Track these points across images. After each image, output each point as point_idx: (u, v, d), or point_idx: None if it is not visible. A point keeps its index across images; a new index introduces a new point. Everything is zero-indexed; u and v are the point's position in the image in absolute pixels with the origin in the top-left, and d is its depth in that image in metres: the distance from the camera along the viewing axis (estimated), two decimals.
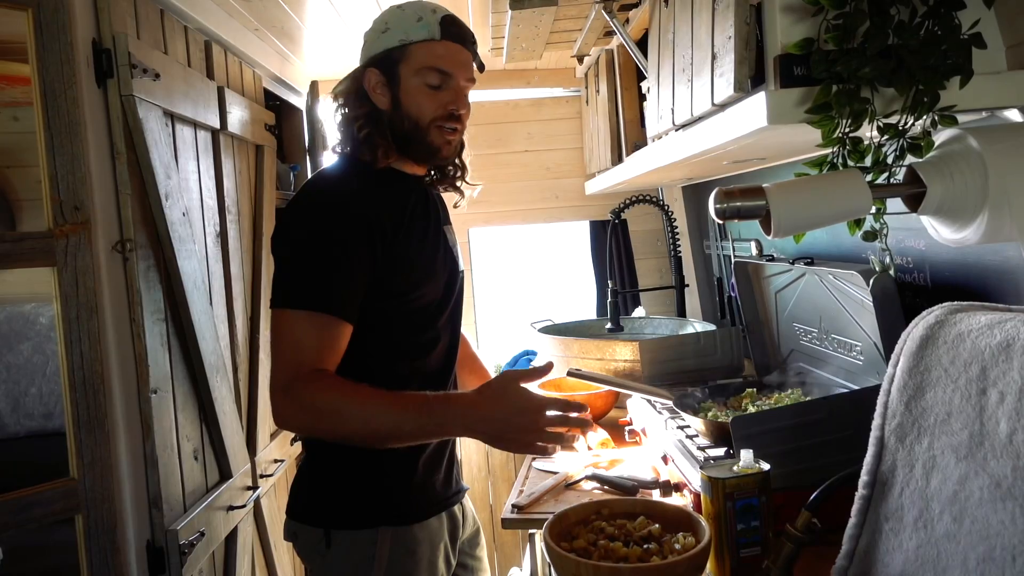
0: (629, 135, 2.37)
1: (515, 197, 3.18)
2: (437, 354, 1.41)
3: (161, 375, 1.63)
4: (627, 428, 1.93)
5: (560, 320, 2.57)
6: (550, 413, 1.19)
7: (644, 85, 1.98)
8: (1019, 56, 1.03)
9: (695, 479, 1.34)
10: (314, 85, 2.98)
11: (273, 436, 2.36)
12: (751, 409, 1.57)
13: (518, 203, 3.18)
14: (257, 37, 2.37)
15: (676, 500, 1.48)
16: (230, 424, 1.95)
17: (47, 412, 1.99)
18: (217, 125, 2.00)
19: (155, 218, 1.65)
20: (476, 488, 3.06)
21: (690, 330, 2.29)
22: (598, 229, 3.20)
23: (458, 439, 1.55)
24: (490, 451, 2.90)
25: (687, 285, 2.55)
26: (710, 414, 1.57)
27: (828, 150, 1.08)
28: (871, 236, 1.14)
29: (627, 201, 2.30)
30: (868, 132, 1.04)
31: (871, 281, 1.31)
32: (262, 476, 2.17)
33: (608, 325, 2.32)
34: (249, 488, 2.07)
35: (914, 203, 1.06)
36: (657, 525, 1.13)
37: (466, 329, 1.57)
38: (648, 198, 2.33)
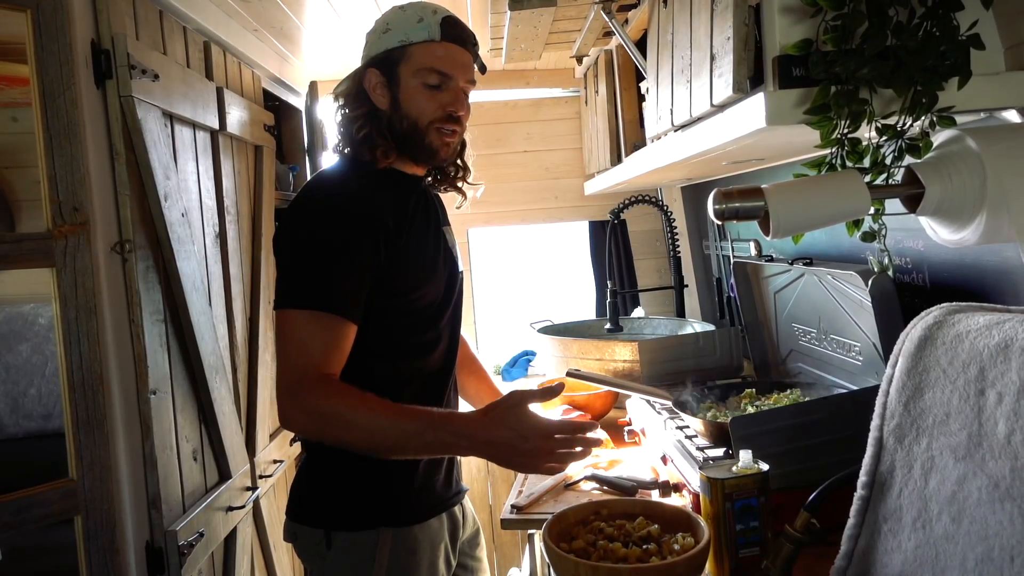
0: (628, 135, 2.37)
1: (514, 197, 3.18)
2: (437, 355, 1.41)
3: (160, 376, 1.63)
4: (626, 428, 1.93)
5: (559, 320, 2.57)
6: (558, 436, 1.18)
7: (643, 86, 1.98)
8: (1017, 57, 1.03)
9: (694, 479, 1.34)
10: (313, 85, 2.98)
11: (272, 437, 2.36)
12: (750, 409, 1.57)
13: (517, 203, 3.18)
14: (256, 38, 2.37)
15: (675, 500, 1.48)
16: (229, 425, 1.95)
17: (46, 413, 1.99)
18: (216, 126, 2.00)
19: (154, 219, 1.65)
20: (476, 489, 3.06)
21: (689, 330, 2.29)
22: (597, 229, 3.20)
23: None
24: None
25: (686, 285, 2.55)
26: (709, 414, 1.57)
27: (827, 151, 1.08)
28: (870, 237, 1.14)
29: (626, 201, 2.30)
30: (867, 133, 1.04)
31: (870, 282, 1.31)
32: (261, 477, 2.17)
33: (607, 325, 2.32)
34: (248, 489, 2.06)
35: (913, 204, 1.06)
36: (656, 526, 1.13)
37: (466, 329, 1.57)
38: (647, 198, 2.33)
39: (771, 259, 1.81)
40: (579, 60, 2.81)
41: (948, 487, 0.86)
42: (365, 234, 1.27)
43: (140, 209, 1.61)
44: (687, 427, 1.59)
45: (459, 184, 1.52)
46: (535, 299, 3.58)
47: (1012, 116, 1.07)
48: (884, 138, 1.03)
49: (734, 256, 2.30)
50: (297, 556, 1.46)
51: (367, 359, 1.31)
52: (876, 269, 1.32)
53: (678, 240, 2.45)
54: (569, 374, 2.00)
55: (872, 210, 1.08)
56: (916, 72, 0.97)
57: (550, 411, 2.01)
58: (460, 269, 1.48)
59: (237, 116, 2.13)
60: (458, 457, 1.50)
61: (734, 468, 1.15)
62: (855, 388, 1.49)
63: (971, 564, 0.81)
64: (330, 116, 1.45)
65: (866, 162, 1.07)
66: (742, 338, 2.03)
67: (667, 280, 2.75)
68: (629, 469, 1.71)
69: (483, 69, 1.41)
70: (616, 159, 2.48)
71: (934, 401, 0.92)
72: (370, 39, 1.39)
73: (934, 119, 1.00)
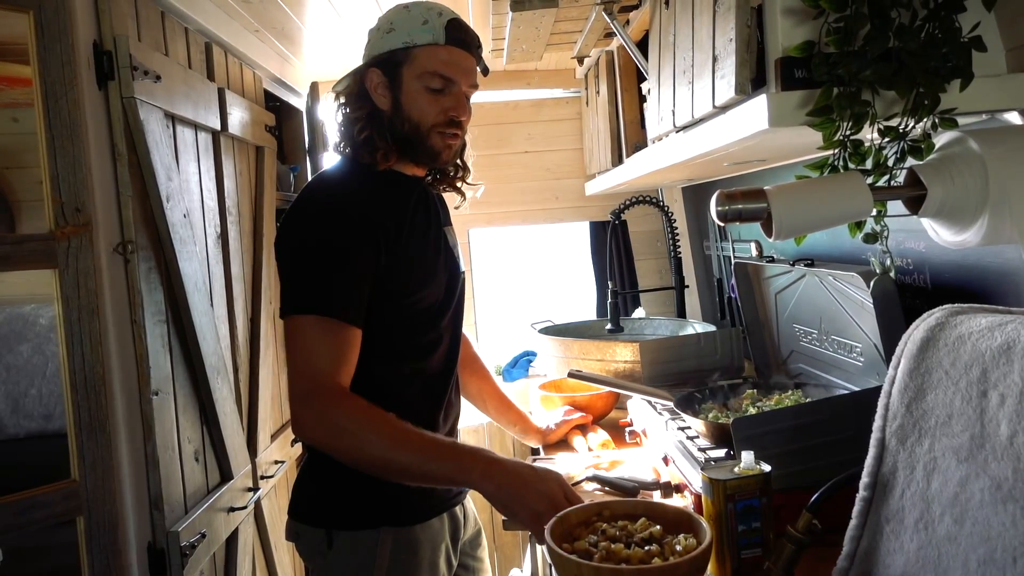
0: (629, 136, 2.37)
1: (515, 198, 3.18)
2: (439, 356, 1.41)
3: (162, 376, 1.63)
4: (627, 429, 1.93)
5: (560, 321, 2.57)
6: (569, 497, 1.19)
7: (644, 87, 1.99)
8: (1019, 59, 1.03)
9: (696, 480, 1.34)
10: (314, 86, 2.98)
11: (274, 437, 2.36)
12: (751, 410, 1.57)
13: (518, 204, 3.18)
14: (257, 38, 2.37)
15: (677, 501, 1.48)
16: (231, 425, 1.95)
17: (47, 413, 1.99)
18: (218, 126, 2.00)
19: (156, 220, 1.65)
20: None
21: (690, 331, 2.29)
22: (598, 230, 3.20)
23: (457, 439, 1.55)
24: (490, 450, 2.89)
25: (687, 286, 2.55)
26: (711, 415, 1.57)
27: (829, 152, 1.09)
28: (872, 238, 1.14)
29: (627, 202, 2.30)
30: (869, 134, 1.05)
31: (871, 283, 1.31)
32: (263, 477, 2.17)
33: (608, 326, 2.32)
34: (250, 489, 2.07)
35: (915, 205, 1.07)
36: (658, 527, 1.13)
37: (467, 330, 1.57)
38: (648, 199, 2.33)
39: (772, 260, 1.82)
40: (580, 61, 2.81)
41: (950, 488, 0.86)
42: (366, 237, 1.26)
43: (142, 210, 1.61)
44: (688, 428, 1.59)
45: (458, 184, 1.52)
46: (536, 299, 3.58)
47: (1014, 118, 1.07)
48: (886, 140, 1.04)
49: (735, 257, 2.30)
50: (299, 555, 1.46)
51: (368, 361, 1.30)
52: (878, 270, 1.32)
53: (679, 240, 2.45)
54: (570, 375, 2.00)
55: (874, 212, 1.08)
56: (918, 74, 0.97)
57: (552, 411, 2.01)
58: (461, 270, 1.48)
59: (238, 117, 2.14)
60: None
61: (736, 469, 1.15)
62: (856, 389, 1.49)
63: (973, 565, 0.81)
64: (330, 114, 1.44)
65: (868, 164, 1.07)
66: (743, 339, 2.03)
67: (668, 281, 2.75)
68: (631, 470, 1.71)
69: (486, 72, 1.41)
70: (617, 160, 2.48)
71: (936, 402, 0.92)
72: (373, 37, 1.38)
73: (936, 121, 1.00)
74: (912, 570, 0.89)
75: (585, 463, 1.76)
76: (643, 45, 1.95)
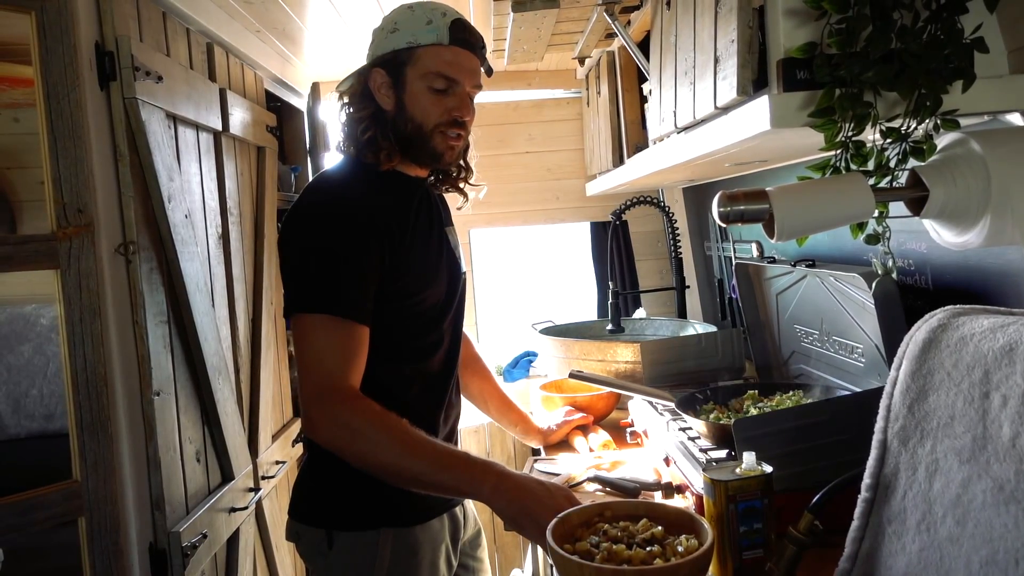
0: (630, 137, 2.37)
1: (516, 198, 3.18)
2: (439, 356, 1.41)
3: (164, 377, 1.63)
4: (629, 430, 1.93)
5: (561, 321, 2.57)
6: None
7: (646, 87, 1.99)
8: (1021, 60, 1.03)
9: (697, 481, 1.34)
10: (315, 86, 2.98)
11: (275, 438, 2.36)
12: (752, 411, 1.57)
13: (519, 204, 3.18)
14: (258, 39, 2.37)
15: (678, 502, 1.48)
16: (232, 426, 1.95)
17: (48, 414, 1.99)
18: (219, 127, 2.00)
19: (157, 220, 1.65)
20: None
21: (691, 331, 2.29)
22: (599, 230, 3.20)
23: (458, 440, 1.56)
24: (490, 450, 2.90)
25: (688, 286, 2.55)
26: (712, 416, 1.57)
27: (831, 153, 1.09)
28: (874, 239, 1.14)
29: (628, 202, 2.30)
30: (871, 136, 1.05)
31: (873, 283, 1.31)
32: (264, 478, 2.17)
33: (609, 326, 2.32)
34: (251, 490, 2.07)
35: (917, 207, 1.07)
36: (660, 527, 1.13)
37: (467, 330, 1.57)
38: (649, 199, 2.33)
39: (773, 260, 1.82)
40: (581, 61, 2.81)
41: (953, 490, 0.86)
42: (372, 238, 1.26)
43: (144, 210, 1.61)
44: (689, 428, 1.59)
45: (461, 185, 1.52)
46: (537, 300, 3.58)
47: (1016, 119, 1.07)
48: (888, 141, 1.03)
49: (736, 257, 2.30)
50: (299, 556, 1.46)
51: (369, 361, 1.30)
52: (880, 271, 1.32)
53: (680, 241, 2.45)
54: (571, 375, 2.00)
55: (876, 213, 1.08)
56: (920, 75, 0.97)
57: (553, 412, 2.01)
58: (463, 271, 1.48)
59: (240, 117, 2.14)
60: None
61: (737, 470, 1.15)
62: (858, 390, 1.49)
63: (976, 567, 0.81)
64: (333, 114, 1.44)
65: (870, 165, 1.07)
66: (744, 339, 2.03)
67: (668, 281, 2.75)
68: (632, 471, 1.71)
69: (489, 72, 1.41)
70: (618, 160, 2.48)
71: (938, 404, 0.92)
72: (377, 37, 1.38)
73: (938, 122, 1.00)
74: (914, 571, 0.89)
75: (586, 464, 1.76)
76: (644, 46, 1.95)
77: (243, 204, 2.21)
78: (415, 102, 1.33)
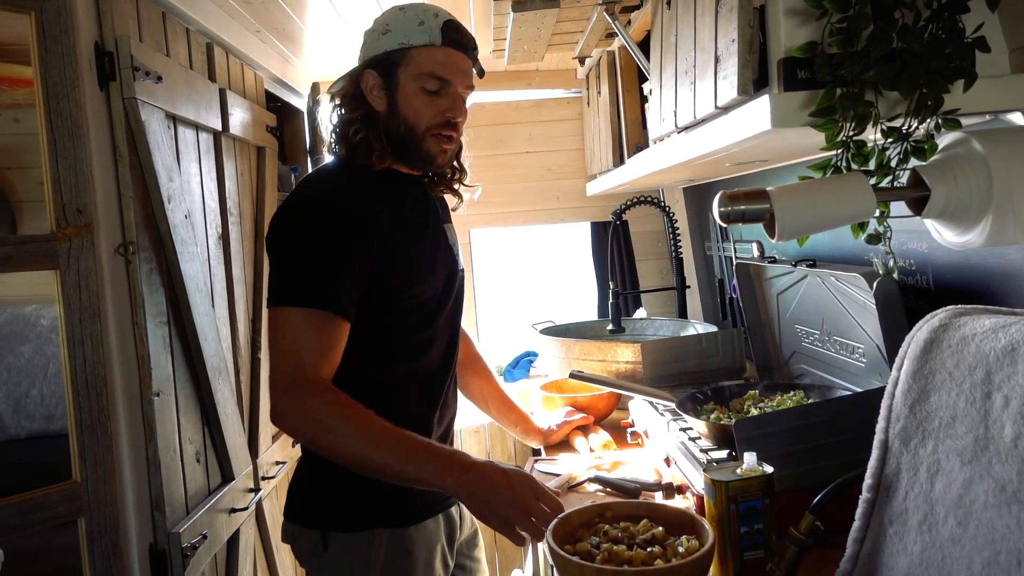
0: (631, 137, 2.37)
1: (516, 198, 3.18)
2: (435, 354, 1.40)
3: (163, 378, 1.63)
4: (629, 430, 1.93)
5: (561, 321, 2.57)
6: (541, 502, 1.16)
7: (646, 87, 1.98)
8: (1023, 59, 1.03)
9: (698, 482, 1.34)
10: (315, 86, 2.98)
11: (275, 438, 2.36)
12: (753, 411, 1.57)
13: (519, 204, 3.18)
14: (258, 39, 2.37)
15: (679, 502, 1.48)
16: (232, 426, 1.95)
17: (48, 414, 1.99)
18: (219, 127, 2.00)
19: (157, 221, 1.65)
20: None
21: (691, 331, 2.29)
22: (599, 230, 3.20)
23: (457, 440, 1.55)
24: (490, 450, 2.90)
25: (688, 286, 2.55)
26: (712, 416, 1.57)
27: (832, 153, 1.08)
28: (875, 239, 1.14)
29: (628, 202, 2.30)
30: (872, 135, 1.04)
31: (874, 283, 1.31)
32: (264, 478, 2.17)
33: (609, 326, 2.32)
34: (251, 490, 2.07)
35: (918, 206, 1.06)
36: (661, 528, 1.12)
37: (468, 330, 1.57)
38: (649, 199, 2.33)
39: (774, 260, 1.81)
40: (581, 61, 2.81)
41: (954, 490, 0.86)
42: (357, 232, 1.26)
43: (143, 211, 1.61)
44: (690, 429, 1.59)
45: (455, 186, 1.52)
46: (537, 300, 3.58)
47: (1017, 119, 1.07)
48: (889, 140, 1.03)
49: (736, 257, 2.30)
50: (294, 557, 1.46)
51: (362, 361, 1.30)
52: (881, 271, 1.32)
53: (680, 241, 2.44)
54: (572, 375, 2.00)
55: (877, 212, 1.08)
56: (921, 74, 0.97)
57: (553, 412, 2.01)
58: (461, 267, 1.48)
59: (239, 117, 2.13)
60: None
61: (738, 470, 1.15)
62: (859, 390, 1.49)
63: (977, 568, 0.81)
64: (326, 115, 1.44)
65: (871, 164, 1.07)
66: (744, 339, 2.02)
67: (669, 281, 2.75)
68: (632, 471, 1.71)
69: (481, 73, 1.41)
70: (618, 160, 2.48)
71: (940, 404, 0.91)
72: (369, 39, 1.38)
73: (939, 121, 1.00)
74: (916, 572, 0.88)
75: (587, 464, 1.76)
76: (644, 45, 1.95)
77: (243, 204, 2.21)
78: (407, 103, 1.33)
